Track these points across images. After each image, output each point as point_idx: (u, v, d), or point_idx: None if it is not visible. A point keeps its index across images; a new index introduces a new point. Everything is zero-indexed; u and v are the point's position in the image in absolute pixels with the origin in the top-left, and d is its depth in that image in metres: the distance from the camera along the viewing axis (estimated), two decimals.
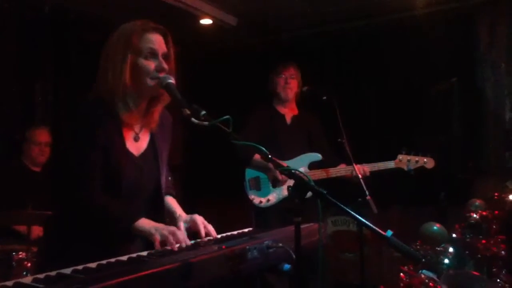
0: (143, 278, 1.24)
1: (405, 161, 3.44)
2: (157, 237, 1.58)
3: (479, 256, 2.68)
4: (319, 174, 3.39)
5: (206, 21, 4.87)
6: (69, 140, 1.76)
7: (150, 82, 1.73)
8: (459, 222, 3.01)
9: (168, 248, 1.58)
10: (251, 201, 3.41)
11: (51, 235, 1.91)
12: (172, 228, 1.63)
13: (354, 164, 3.25)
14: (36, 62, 4.37)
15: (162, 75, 1.74)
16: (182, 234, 1.61)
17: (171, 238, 1.58)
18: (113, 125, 1.73)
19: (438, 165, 3.52)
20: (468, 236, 2.80)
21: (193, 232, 1.84)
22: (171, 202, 2.00)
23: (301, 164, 3.44)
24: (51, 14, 4.24)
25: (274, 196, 3.40)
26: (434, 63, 4.38)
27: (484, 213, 2.85)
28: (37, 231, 3.40)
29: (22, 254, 3.15)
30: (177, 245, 1.58)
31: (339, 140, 3.20)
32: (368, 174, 3.36)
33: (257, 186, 3.43)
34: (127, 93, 1.73)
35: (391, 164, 3.44)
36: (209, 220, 1.89)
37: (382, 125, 4.74)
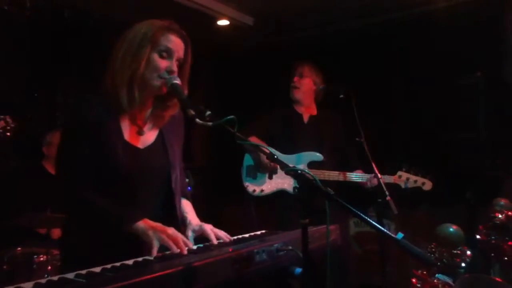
0: (145, 283, 1.21)
1: (404, 178, 3.37)
2: (154, 243, 1.55)
3: (505, 259, 2.55)
4: (336, 176, 3.33)
5: (223, 22, 4.87)
6: (61, 136, 1.76)
7: (156, 80, 1.72)
8: (484, 223, 2.88)
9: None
10: (245, 189, 3.38)
11: (65, 237, 1.92)
12: (171, 230, 1.58)
13: (374, 163, 3.15)
14: (57, 67, 4.46)
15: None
16: (182, 238, 1.56)
17: (170, 242, 1.53)
18: (109, 119, 1.71)
19: (465, 162, 3.38)
20: (493, 238, 2.67)
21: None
22: (185, 205, 1.96)
23: (299, 161, 3.38)
24: (73, 20, 4.31)
25: (268, 187, 3.35)
26: (459, 57, 4.24)
27: (510, 213, 2.71)
28: (57, 233, 3.45)
29: (43, 257, 3.19)
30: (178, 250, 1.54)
31: (357, 139, 3.12)
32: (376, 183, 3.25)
33: (253, 174, 3.39)
34: (135, 81, 1.70)
35: (389, 179, 3.37)
36: (232, 222, 1.87)
37: (405, 122, 4.62)
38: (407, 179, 3.36)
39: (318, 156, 3.41)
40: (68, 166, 1.70)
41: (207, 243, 1.76)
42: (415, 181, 3.37)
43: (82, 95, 1.78)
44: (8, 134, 2.78)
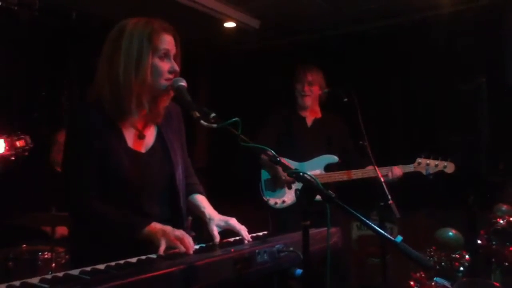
0: (147, 280, 1.24)
1: (424, 164, 3.32)
2: (162, 244, 1.57)
3: (506, 264, 2.55)
4: (340, 176, 3.34)
5: (230, 24, 4.90)
6: (65, 146, 1.76)
7: (163, 83, 1.73)
8: (485, 228, 2.89)
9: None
10: (266, 202, 3.39)
11: (74, 235, 1.95)
12: (179, 232, 1.61)
13: (376, 166, 3.17)
14: (62, 69, 4.50)
15: (173, 77, 1.74)
16: (189, 240, 1.59)
17: (177, 242, 1.56)
18: (110, 127, 1.72)
19: (467, 167, 3.38)
20: (494, 243, 2.67)
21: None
22: (201, 200, 1.95)
23: (317, 166, 3.41)
24: (77, 22, 4.35)
25: (289, 198, 3.38)
26: (462, 62, 4.25)
27: (511, 218, 2.71)
28: (62, 231, 3.48)
29: (47, 255, 3.22)
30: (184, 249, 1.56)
31: (360, 142, 3.13)
32: (401, 175, 3.27)
33: (272, 187, 3.41)
34: (144, 91, 1.70)
35: (409, 168, 3.33)
36: None
37: (408, 126, 4.64)
38: (427, 164, 3.30)
39: (334, 158, 3.43)
40: (74, 175, 1.70)
41: (210, 243, 1.78)
42: (436, 165, 3.30)
43: (82, 104, 1.78)
44: (26, 153, 2.76)
